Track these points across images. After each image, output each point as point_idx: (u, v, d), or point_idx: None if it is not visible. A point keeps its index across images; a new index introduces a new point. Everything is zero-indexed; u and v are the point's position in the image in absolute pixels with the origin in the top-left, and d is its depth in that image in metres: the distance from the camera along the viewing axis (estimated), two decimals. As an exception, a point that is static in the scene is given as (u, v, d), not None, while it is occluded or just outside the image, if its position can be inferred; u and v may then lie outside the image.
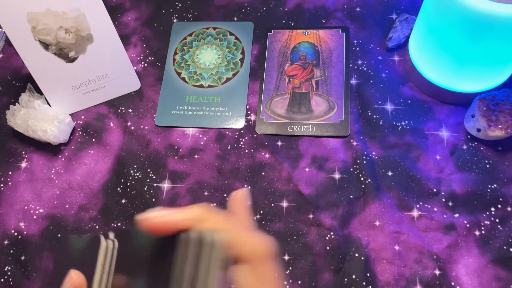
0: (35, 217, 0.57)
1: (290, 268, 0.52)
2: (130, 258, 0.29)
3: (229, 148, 0.59)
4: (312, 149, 0.58)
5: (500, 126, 0.53)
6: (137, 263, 0.28)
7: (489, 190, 0.54)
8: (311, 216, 0.54)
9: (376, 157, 0.57)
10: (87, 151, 0.61)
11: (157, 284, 0.25)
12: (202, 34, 0.68)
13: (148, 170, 0.59)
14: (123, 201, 0.58)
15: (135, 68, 0.66)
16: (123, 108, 0.64)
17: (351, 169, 0.56)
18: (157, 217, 0.26)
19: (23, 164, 0.61)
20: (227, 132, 0.61)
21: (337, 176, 0.56)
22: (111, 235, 0.30)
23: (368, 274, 0.51)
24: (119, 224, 0.56)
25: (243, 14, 0.69)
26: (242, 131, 0.60)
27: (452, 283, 0.50)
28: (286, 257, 0.53)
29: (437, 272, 0.50)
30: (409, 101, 0.60)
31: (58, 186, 0.59)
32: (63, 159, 0.61)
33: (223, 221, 0.28)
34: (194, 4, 0.71)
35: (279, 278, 0.28)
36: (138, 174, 0.59)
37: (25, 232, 0.57)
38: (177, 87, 0.64)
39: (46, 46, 0.58)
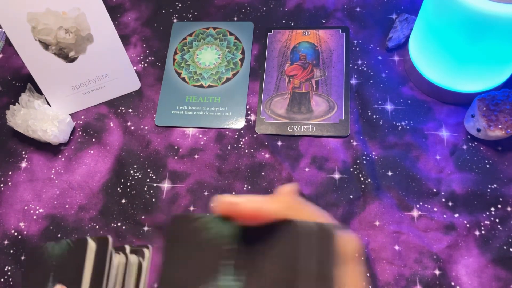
0: (35, 217, 0.57)
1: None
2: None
3: (229, 148, 0.59)
4: (312, 149, 0.58)
5: (500, 126, 0.53)
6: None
7: (489, 190, 0.54)
8: (311, 216, 0.54)
9: (376, 157, 0.57)
10: (87, 151, 0.61)
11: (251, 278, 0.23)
12: (202, 34, 0.68)
13: (148, 170, 0.59)
14: (123, 201, 0.58)
15: (135, 68, 0.66)
16: (123, 108, 0.64)
17: (351, 169, 0.56)
18: (248, 203, 0.23)
19: (23, 164, 0.61)
20: (227, 132, 0.61)
21: (337, 176, 0.56)
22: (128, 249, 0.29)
23: (368, 274, 0.51)
24: (119, 224, 0.56)
25: (243, 14, 0.69)
26: (242, 131, 0.60)
27: (452, 283, 0.50)
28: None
29: (437, 272, 0.50)
30: (409, 101, 0.60)
31: (58, 186, 0.59)
32: (63, 159, 0.61)
33: (316, 214, 0.25)
34: (194, 4, 0.71)
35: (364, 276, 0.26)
36: (138, 174, 0.59)
37: (25, 232, 0.57)
38: (177, 87, 0.64)
39: (46, 46, 0.58)
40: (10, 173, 0.60)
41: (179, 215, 0.29)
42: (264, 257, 0.23)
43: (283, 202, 0.24)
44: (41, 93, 0.62)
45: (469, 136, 0.57)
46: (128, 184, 0.59)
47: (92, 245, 0.29)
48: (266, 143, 0.59)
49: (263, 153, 0.59)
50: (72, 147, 0.61)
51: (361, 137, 0.58)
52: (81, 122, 0.63)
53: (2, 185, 0.60)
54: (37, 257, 0.31)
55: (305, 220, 0.23)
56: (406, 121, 0.59)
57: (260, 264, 0.23)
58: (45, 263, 0.31)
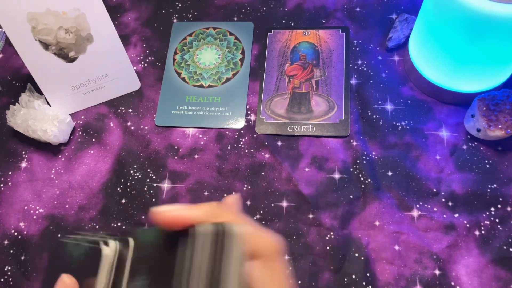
0: (35, 217, 0.57)
1: (290, 268, 0.52)
2: (142, 258, 0.28)
3: (229, 148, 0.59)
4: (312, 149, 0.58)
5: (500, 126, 0.53)
6: (146, 262, 0.27)
7: (489, 190, 0.54)
8: (311, 216, 0.54)
9: (376, 157, 0.57)
10: (87, 151, 0.61)
11: (162, 279, 0.25)
12: (202, 34, 0.68)
13: (148, 170, 0.59)
14: (123, 201, 0.58)
15: (135, 68, 0.66)
16: (123, 108, 0.64)
17: (351, 169, 0.56)
18: (172, 211, 0.26)
19: (23, 164, 0.61)
20: (227, 132, 0.61)
21: (337, 176, 0.56)
22: (111, 242, 0.29)
23: (368, 274, 0.51)
24: (119, 224, 0.56)
25: (243, 14, 0.69)
26: (242, 131, 0.60)
27: (452, 283, 0.50)
28: (286, 257, 0.53)
29: (437, 272, 0.50)
30: (409, 101, 0.60)
31: (58, 186, 0.59)
32: (63, 159, 0.61)
33: (236, 217, 0.28)
34: (194, 4, 0.71)
35: (289, 274, 0.28)
36: (138, 174, 0.59)
37: (25, 232, 0.57)
38: (177, 87, 0.64)
39: (46, 46, 0.58)
40: (10, 173, 0.60)
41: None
42: (165, 261, 0.25)
43: (204, 210, 0.26)
44: (41, 93, 0.62)
45: (469, 136, 0.57)
46: (128, 184, 0.59)
47: (106, 252, 0.29)
48: (266, 143, 0.59)
49: (263, 153, 0.59)
50: (72, 147, 0.61)
51: (361, 137, 0.58)
52: (81, 122, 0.63)
53: (2, 185, 0.60)
54: (59, 255, 0.31)
55: (205, 223, 0.25)
56: (406, 121, 0.59)
57: (160, 267, 0.25)
58: (65, 264, 0.31)
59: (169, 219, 0.26)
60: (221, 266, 0.24)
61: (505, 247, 0.51)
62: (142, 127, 0.62)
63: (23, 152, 0.62)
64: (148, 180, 0.58)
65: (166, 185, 0.58)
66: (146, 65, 0.67)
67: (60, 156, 0.61)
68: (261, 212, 0.55)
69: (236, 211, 0.31)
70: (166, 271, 0.25)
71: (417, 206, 0.54)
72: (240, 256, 0.24)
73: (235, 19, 0.69)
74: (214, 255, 0.24)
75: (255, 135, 0.60)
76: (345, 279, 0.51)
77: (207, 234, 0.24)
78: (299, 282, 0.51)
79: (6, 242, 0.56)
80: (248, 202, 0.56)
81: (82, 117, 0.64)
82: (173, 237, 0.25)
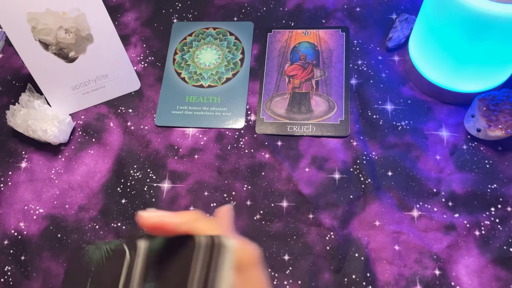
0: (35, 217, 0.57)
1: (290, 268, 0.52)
2: (152, 264, 0.29)
3: (229, 148, 0.59)
4: (312, 149, 0.58)
5: (500, 126, 0.53)
6: (154, 268, 0.28)
7: (489, 190, 0.54)
8: (311, 216, 0.54)
9: (376, 157, 0.57)
10: (87, 151, 0.61)
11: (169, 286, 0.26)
12: (202, 34, 0.68)
13: (148, 170, 0.59)
14: (123, 201, 0.58)
15: (135, 68, 0.66)
16: (123, 108, 0.64)
17: (351, 169, 0.56)
18: (153, 217, 0.27)
19: (23, 164, 0.61)
20: (227, 132, 0.61)
21: (337, 176, 0.56)
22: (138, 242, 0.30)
23: (368, 274, 0.51)
24: (119, 224, 0.56)
25: (243, 14, 0.69)
26: (242, 131, 0.60)
27: (452, 283, 0.50)
28: (286, 257, 0.53)
29: (437, 272, 0.50)
30: (409, 101, 0.60)
31: (58, 186, 0.59)
32: (63, 159, 0.61)
33: (214, 224, 0.29)
34: (194, 4, 0.71)
35: (268, 283, 0.29)
36: (138, 174, 0.59)
37: (25, 232, 0.57)
38: (177, 87, 0.64)
39: (46, 46, 0.58)
40: (10, 173, 0.60)
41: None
42: (162, 270, 0.27)
43: (186, 217, 0.28)
44: (41, 93, 0.62)
45: (469, 136, 0.57)
46: (128, 184, 0.59)
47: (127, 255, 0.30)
48: (266, 143, 0.59)
49: (263, 153, 0.59)
50: (72, 147, 0.61)
51: (361, 137, 0.58)
52: (81, 122, 0.63)
53: (2, 185, 0.60)
54: (79, 258, 0.31)
55: (199, 234, 0.27)
56: (406, 121, 0.59)
57: (159, 276, 0.27)
58: (85, 267, 0.31)
59: (152, 224, 0.27)
60: (215, 276, 0.25)
61: (505, 247, 0.51)
62: (142, 127, 0.62)
63: (23, 152, 0.62)
64: (148, 180, 0.58)
65: (166, 185, 0.58)
66: (146, 65, 0.67)
67: (60, 156, 0.61)
68: (261, 212, 0.55)
69: (227, 222, 0.33)
70: (172, 279, 0.26)
71: (417, 206, 0.54)
72: (231, 267, 0.26)
73: (235, 19, 0.69)
74: (209, 266, 0.26)
75: (255, 135, 0.60)
76: (345, 279, 0.51)
77: (205, 245, 0.26)
78: (299, 282, 0.51)
79: (6, 242, 0.56)
80: (248, 202, 0.56)
81: (82, 117, 0.64)
82: (177, 245, 0.27)
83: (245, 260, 0.28)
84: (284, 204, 0.56)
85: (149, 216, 0.27)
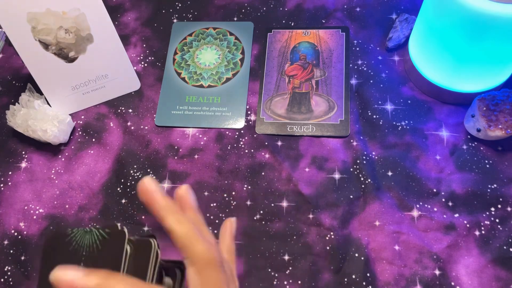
0: (35, 217, 0.57)
1: (290, 268, 0.52)
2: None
3: (229, 148, 0.59)
4: (312, 149, 0.58)
5: (500, 126, 0.53)
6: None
7: (489, 190, 0.54)
8: (311, 216, 0.54)
9: (376, 157, 0.57)
10: (87, 151, 0.61)
11: None
12: (202, 34, 0.68)
13: (148, 170, 0.59)
14: (123, 201, 0.58)
15: (135, 68, 0.66)
16: (123, 108, 0.64)
17: (351, 169, 0.56)
18: (66, 276, 0.27)
19: (23, 164, 0.61)
20: (227, 132, 0.61)
21: (337, 176, 0.56)
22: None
23: (368, 274, 0.51)
24: (119, 224, 0.56)
25: (243, 14, 0.69)
26: (242, 131, 0.60)
27: (452, 283, 0.50)
28: (286, 257, 0.53)
29: (437, 272, 0.50)
30: (409, 101, 0.60)
31: (58, 186, 0.59)
32: (63, 159, 0.61)
33: (128, 283, 0.28)
34: (194, 4, 0.71)
35: (223, 284, 0.30)
36: (138, 174, 0.59)
37: (25, 232, 0.57)
38: (177, 87, 0.64)
39: (46, 46, 0.58)
40: (10, 173, 0.60)
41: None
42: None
43: (95, 280, 0.28)
44: (41, 93, 0.62)
45: (469, 136, 0.57)
46: (128, 184, 0.59)
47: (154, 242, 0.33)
48: (266, 143, 0.59)
49: (263, 153, 0.59)
50: (72, 147, 0.61)
51: (361, 137, 0.58)
52: (81, 122, 0.63)
53: (2, 185, 0.60)
54: (64, 245, 0.32)
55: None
56: (406, 121, 0.59)
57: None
58: (74, 253, 0.31)
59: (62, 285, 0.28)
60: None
61: (505, 247, 0.51)
62: (142, 127, 0.62)
63: (23, 152, 0.62)
64: (148, 180, 0.58)
65: (166, 185, 0.58)
66: (146, 65, 0.67)
67: (60, 156, 0.61)
68: (261, 212, 0.55)
69: (188, 203, 0.34)
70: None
71: (417, 206, 0.54)
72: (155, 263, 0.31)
73: (235, 19, 0.69)
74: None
75: (255, 135, 0.60)
76: (345, 279, 0.51)
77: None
78: (299, 282, 0.51)
79: (6, 242, 0.56)
80: (248, 202, 0.56)
81: (82, 117, 0.64)
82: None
83: (198, 258, 0.29)
84: (284, 204, 0.56)
85: (60, 275, 0.28)
